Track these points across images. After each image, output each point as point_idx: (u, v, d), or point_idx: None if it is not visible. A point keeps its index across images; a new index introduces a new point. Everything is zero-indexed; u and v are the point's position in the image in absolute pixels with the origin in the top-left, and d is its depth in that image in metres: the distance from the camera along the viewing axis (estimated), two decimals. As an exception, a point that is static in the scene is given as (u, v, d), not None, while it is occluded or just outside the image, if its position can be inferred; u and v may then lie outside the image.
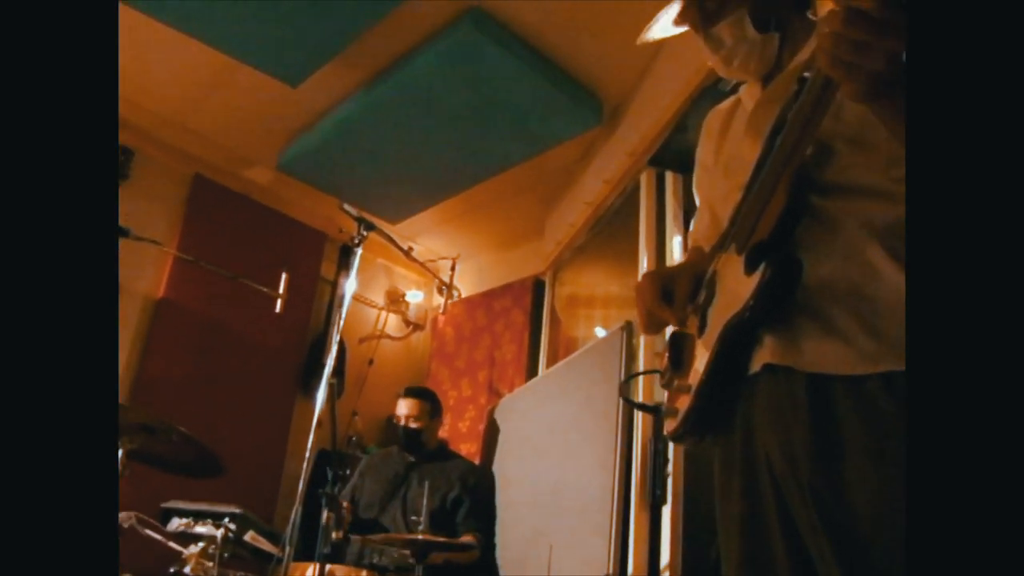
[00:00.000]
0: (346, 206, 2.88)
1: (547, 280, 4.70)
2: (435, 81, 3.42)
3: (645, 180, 3.39)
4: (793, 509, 1.04)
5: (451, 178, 4.24)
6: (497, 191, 4.44)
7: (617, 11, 3.09)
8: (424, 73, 3.38)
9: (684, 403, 1.26)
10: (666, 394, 1.39)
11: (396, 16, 3.15)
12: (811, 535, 1.00)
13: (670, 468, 2.76)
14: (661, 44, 3.15)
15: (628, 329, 3.03)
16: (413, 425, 3.72)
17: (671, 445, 2.76)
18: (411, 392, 3.82)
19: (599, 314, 4.79)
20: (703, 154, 1.50)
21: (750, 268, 1.10)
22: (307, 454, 2.67)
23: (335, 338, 2.85)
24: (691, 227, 1.57)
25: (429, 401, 3.83)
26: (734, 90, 1.44)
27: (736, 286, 1.13)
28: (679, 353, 1.35)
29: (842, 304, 1.04)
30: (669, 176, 3.31)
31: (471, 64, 3.30)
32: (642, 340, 3.07)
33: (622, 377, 2.92)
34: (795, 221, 1.09)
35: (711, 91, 2.75)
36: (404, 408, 3.75)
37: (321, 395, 2.75)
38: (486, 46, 3.18)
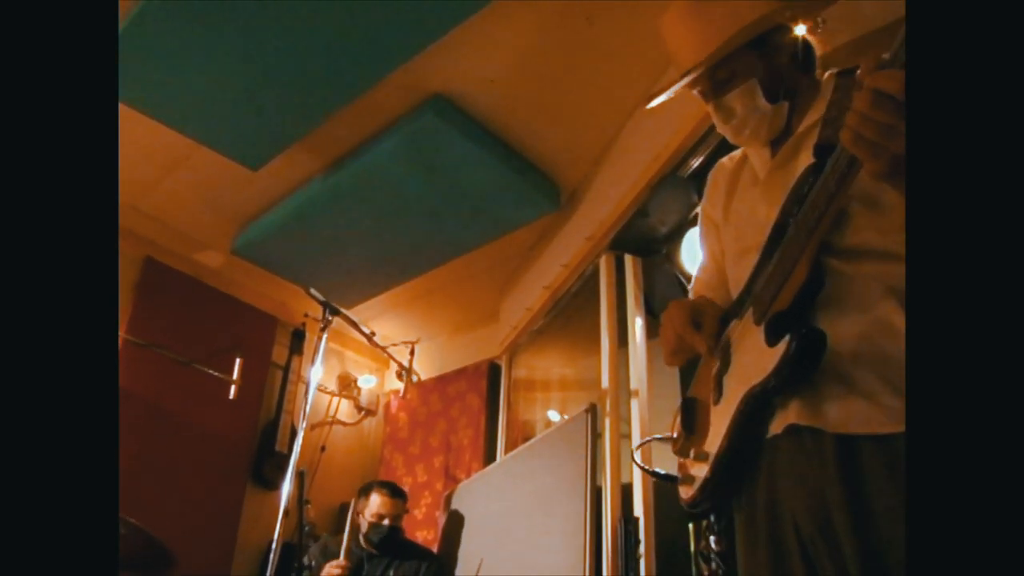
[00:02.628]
0: (313, 291, 2.85)
1: (503, 364, 4.68)
2: (395, 167, 3.44)
3: (604, 264, 3.43)
4: (816, 561, 1.04)
5: (407, 263, 4.23)
6: (453, 275, 4.45)
7: (576, 98, 3.18)
8: (384, 159, 3.41)
9: (698, 470, 1.25)
10: (676, 462, 1.38)
11: (360, 103, 3.18)
12: None
13: (642, 549, 2.73)
14: (621, 129, 3.30)
15: (593, 411, 3.03)
16: (395, 525, 3.65)
17: (642, 526, 2.74)
18: (392, 490, 3.72)
19: (554, 397, 4.77)
20: (710, 209, 1.51)
21: (772, 338, 1.11)
22: (274, 546, 2.57)
23: (302, 424, 2.78)
24: (695, 276, 1.58)
25: (405, 499, 3.76)
26: (699, 175, 1.47)
27: (757, 356, 1.14)
28: (691, 419, 1.35)
29: (864, 364, 1.05)
30: (628, 259, 3.35)
31: (431, 151, 3.34)
32: (607, 422, 3.08)
33: (588, 459, 2.89)
34: (817, 291, 1.11)
35: (671, 178, 2.82)
36: (385, 507, 3.64)
37: (288, 484, 2.66)
38: (447, 133, 3.23)
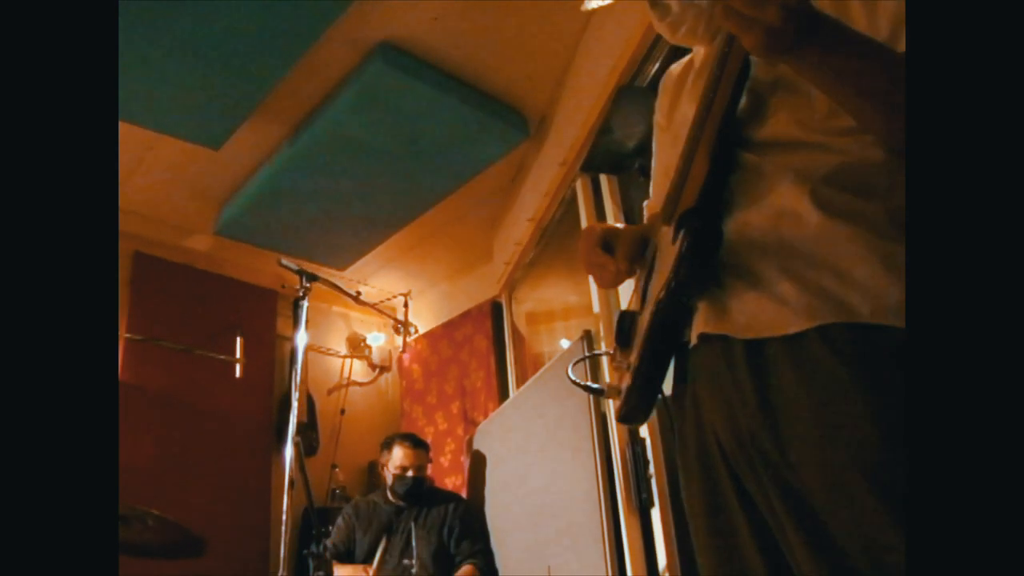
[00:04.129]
0: (284, 261, 2.81)
1: (503, 301, 4.65)
2: (354, 123, 3.36)
3: (581, 187, 3.35)
4: (745, 481, 0.99)
5: (389, 217, 4.18)
6: (440, 221, 4.39)
7: (525, 20, 3.06)
8: (342, 117, 3.32)
9: (626, 382, 1.20)
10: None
11: (304, 65, 3.09)
12: (767, 508, 0.95)
13: (652, 469, 2.71)
14: (575, 48, 3.18)
15: (588, 337, 2.99)
16: (419, 475, 3.69)
17: (649, 446, 2.71)
18: (414, 441, 3.77)
19: (561, 326, 4.74)
20: (658, 116, 1.44)
21: (675, 237, 1.05)
22: (284, 517, 2.58)
23: (294, 395, 2.76)
24: (649, 194, 1.51)
25: (427, 449, 3.81)
26: (655, 82, 1.40)
27: (666, 258, 1.08)
28: (626, 332, 1.28)
29: (770, 258, 0.99)
30: (604, 179, 3.26)
31: (387, 100, 3.25)
32: (603, 345, 3.03)
33: (588, 376, 2.86)
34: (719, 184, 1.05)
35: (627, 91, 2.72)
36: (408, 458, 3.69)
37: (289, 455, 2.66)
38: (399, 79, 3.13)
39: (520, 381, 4.34)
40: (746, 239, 1.02)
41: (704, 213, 1.04)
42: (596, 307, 3.16)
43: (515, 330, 4.63)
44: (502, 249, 4.45)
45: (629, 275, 1.28)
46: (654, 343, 1.11)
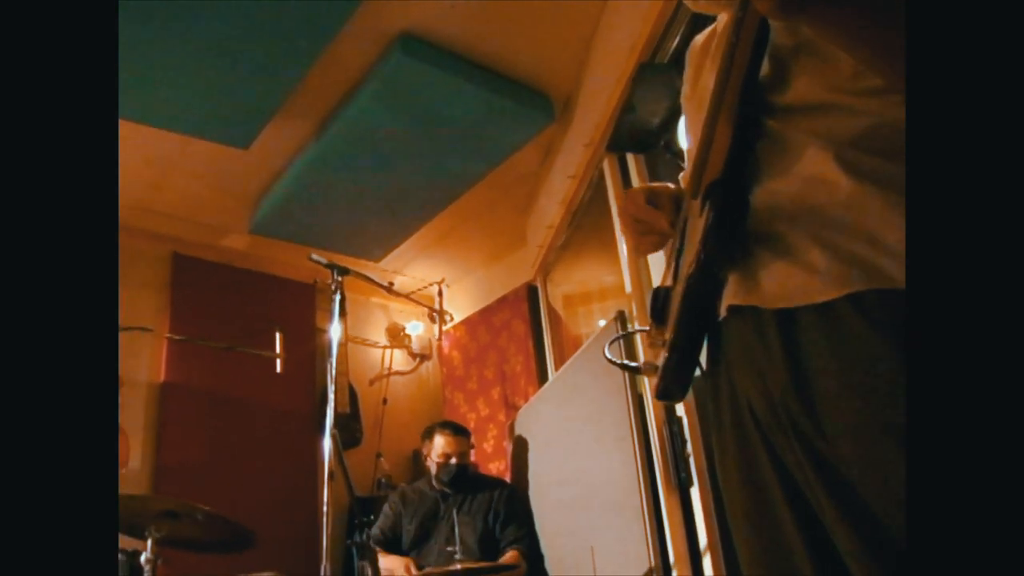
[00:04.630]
0: (314, 256, 2.83)
1: (539, 285, 4.64)
2: (379, 115, 3.37)
3: (608, 167, 3.32)
4: (781, 453, 0.97)
5: (420, 206, 4.20)
6: (471, 208, 4.40)
7: (545, 5, 3.03)
8: (367, 110, 3.33)
9: (661, 358, 1.17)
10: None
11: (326, 61, 3.11)
12: (802, 479, 0.93)
13: (690, 448, 2.69)
14: (595, 28, 3.15)
15: (621, 318, 2.98)
16: (462, 462, 3.72)
17: (686, 425, 2.70)
18: (454, 429, 3.82)
19: (598, 307, 4.73)
20: (685, 88, 1.40)
21: (701, 210, 1.02)
22: (324, 509, 2.62)
23: (330, 388, 2.79)
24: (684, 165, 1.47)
25: (469, 436, 3.85)
26: (677, 57, 1.36)
27: (695, 231, 1.06)
28: (660, 308, 1.26)
29: (799, 226, 0.96)
30: (630, 159, 3.22)
31: (411, 91, 3.25)
32: (636, 325, 3.01)
33: (623, 355, 2.84)
34: (744, 153, 1.02)
35: (648, 68, 2.68)
36: (449, 446, 3.74)
37: (327, 448, 2.69)
38: (421, 69, 3.13)
39: (559, 364, 4.34)
40: (774, 207, 0.99)
41: (729, 184, 1.01)
42: (628, 287, 3.14)
43: (552, 313, 4.62)
44: (535, 233, 4.44)
45: (666, 233, 1.26)
46: (687, 318, 1.09)
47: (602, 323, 4.57)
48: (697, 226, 1.03)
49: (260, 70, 3.06)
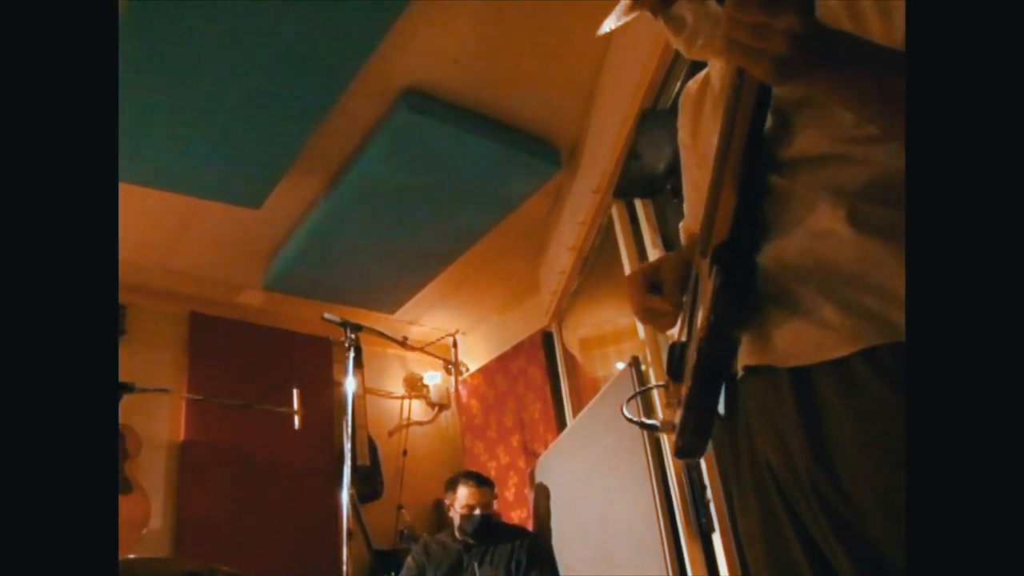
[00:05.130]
0: (326, 315, 2.87)
1: (553, 331, 4.64)
2: (387, 170, 3.41)
3: (617, 214, 3.34)
4: (800, 513, 0.96)
5: (433, 257, 4.23)
6: (484, 257, 4.42)
7: (546, 52, 3.07)
8: (375, 165, 3.38)
9: (679, 416, 1.17)
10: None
11: (333, 119, 3.16)
12: (821, 538, 0.93)
13: (710, 494, 2.66)
14: (597, 76, 3.18)
15: (635, 364, 2.96)
16: (486, 513, 3.69)
17: (704, 471, 2.67)
18: (478, 480, 3.78)
19: (614, 350, 4.70)
20: (682, 135, 1.40)
21: (710, 272, 1.02)
22: (344, 569, 2.60)
23: (347, 446, 2.79)
24: (685, 214, 1.46)
25: (492, 486, 3.82)
26: (673, 107, 1.37)
27: (705, 292, 1.06)
28: (676, 364, 1.25)
29: (810, 283, 0.96)
30: (638, 204, 3.25)
31: (417, 145, 3.30)
32: (651, 371, 3.00)
33: (640, 411, 2.84)
34: (750, 213, 1.02)
35: (651, 114, 2.70)
36: (473, 497, 3.71)
37: (345, 505, 2.68)
38: (426, 124, 3.18)
39: (576, 409, 4.31)
40: (784, 265, 0.99)
41: (735, 246, 1.01)
42: (641, 332, 3.13)
43: (568, 358, 4.61)
44: (547, 279, 4.45)
45: (679, 307, 1.25)
46: (702, 378, 1.08)
47: (620, 365, 4.57)
48: (707, 287, 1.03)
49: (270, 130, 3.11)
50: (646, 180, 3.02)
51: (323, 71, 2.86)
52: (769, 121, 1.03)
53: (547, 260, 4.43)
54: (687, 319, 1.20)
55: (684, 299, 1.24)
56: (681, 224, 1.46)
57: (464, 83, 3.18)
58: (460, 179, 3.55)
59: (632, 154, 2.91)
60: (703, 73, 1.33)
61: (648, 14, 1.22)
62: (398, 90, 3.16)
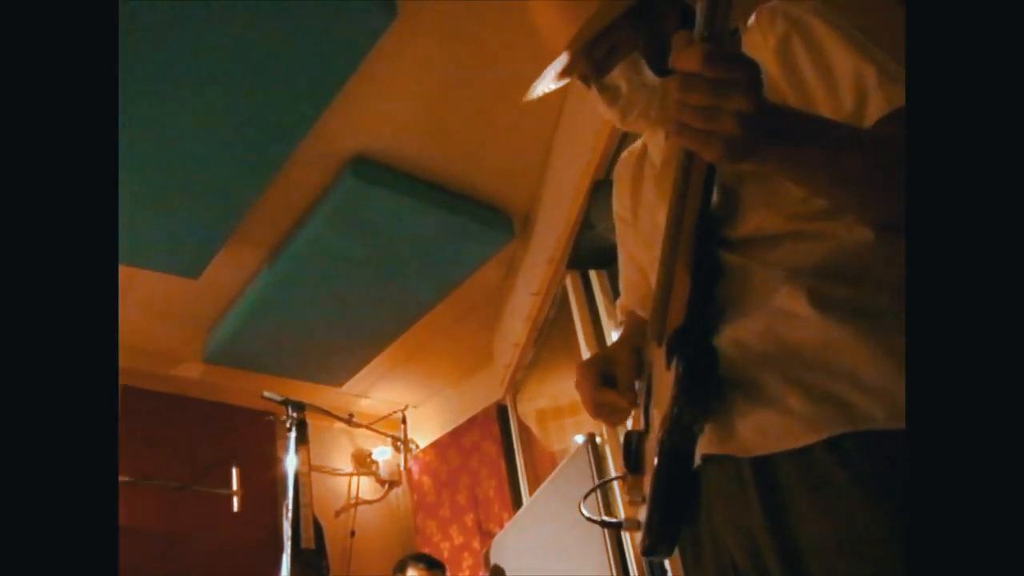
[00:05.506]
0: (267, 393, 2.73)
1: (508, 404, 4.53)
2: (333, 239, 3.32)
3: (571, 284, 3.31)
4: None
5: (381, 328, 4.11)
6: (436, 327, 4.30)
7: (497, 118, 3.03)
8: (320, 235, 3.29)
9: (644, 513, 1.12)
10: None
11: (277, 186, 3.06)
12: None
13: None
14: (551, 144, 3.14)
15: (592, 441, 2.86)
16: None
17: (667, 562, 2.54)
18: (429, 563, 3.65)
19: (571, 422, 4.59)
20: (619, 207, 1.38)
21: (668, 360, 0.99)
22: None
23: (286, 533, 2.61)
24: (622, 289, 1.43)
25: (444, 570, 3.72)
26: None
27: (663, 383, 1.03)
28: (635, 455, 1.21)
29: (771, 368, 0.93)
30: (593, 275, 3.21)
31: (364, 214, 3.21)
32: (608, 449, 2.88)
33: (600, 504, 2.71)
34: (703, 298, 1.00)
35: (604, 184, 2.65)
36: None
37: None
38: (374, 192, 3.10)
39: (533, 485, 4.18)
40: (744, 348, 0.96)
41: (694, 332, 0.99)
42: (597, 409, 3.02)
43: (524, 431, 4.49)
44: (501, 350, 4.36)
45: (635, 403, 1.20)
46: (668, 473, 1.04)
47: (578, 439, 4.45)
48: (665, 379, 1.00)
49: (209, 197, 3.00)
50: (600, 250, 2.96)
51: (266, 136, 2.77)
52: (716, 197, 1.02)
53: (501, 330, 4.35)
54: (643, 407, 1.17)
55: (637, 387, 1.20)
56: (618, 302, 1.44)
57: (414, 150, 3.12)
58: (410, 248, 3.47)
59: (586, 224, 2.88)
60: (638, 144, 1.32)
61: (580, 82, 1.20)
62: (345, 157, 3.08)
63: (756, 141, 0.78)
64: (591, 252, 3.04)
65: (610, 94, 1.15)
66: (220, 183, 2.93)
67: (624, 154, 1.37)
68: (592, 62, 1.14)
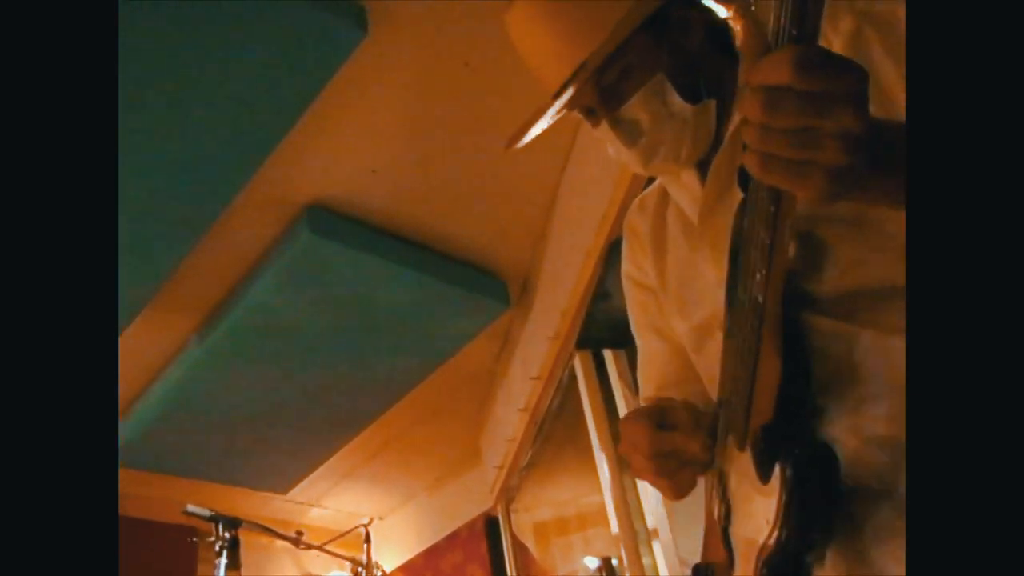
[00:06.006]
0: (190, 507, 2.76)
1: (500, 515, 4.54)
2: (284, 306, 3.37)
3: (581, 366, 3.34)
4: None
5: (341, 419, 4.14)
6: (409, 419, 4.35)
7: (487, 165, 3.08)
8: (267, 300, 3.34)
9: None
10: None
11: (212, 241, 3.11)
12: None
13: None
14: (555, 196, 3.21)
15: (608, 567, 2.92)
16: None
17: None
18: None
19: (579, 538, 4.60)
20: (633, 269, 1.36)
21: (763, 472, 0.96)
22: None
23: None
24: (641, 373, 1.40)
25: None
26: None
27: (755, 499, 0.99)
28: None
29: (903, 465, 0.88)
30: (609, 355, 3.26)
31: (324, 275, 3.27)
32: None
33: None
34: (801, 385, 0.97)
35: (620, 242, 2.71)
36: None
37: None
38: (334, 249, 3.17)
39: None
40: (870, 446, 0.94)
41: (796, 427, 0.95)
42: (614, 526, 3.06)
43: (520, 549, 4.52)
44: (492, 448, 4.39)
45: (708, 453, 1.14)
46: None
47: (590, 563, 4.45)
48: (755, 494, 0.98)
49: (127, 252, 3.04)
50: (618, 326, 3.01)
51: (204, 178, 2.83)
52: (792, 246, 0.98)
53: (492, 423, 4.39)
54: (720, 534, 1.13)
55: (709, 482, 1.17)
56: (641, 395, 1.40)
57: (386, 199, 3.19)
58: (379, 319, 3.52)
59: (600, 294, 2.93)
60: (652, 189, 1.32)
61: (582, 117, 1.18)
62: (299, 205, 3.14)
63: (869, 170, 0.76)
64: (606, 328, 3.10)
65: (627, 131, 1.13)
66: (143, 236, 2.98)
67: (635, 203, 1.36)
68: (600, 90, 1.13)
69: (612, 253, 2.78)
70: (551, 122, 1.16)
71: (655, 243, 1.28)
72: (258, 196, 3.03)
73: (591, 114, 1.17)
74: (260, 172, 2.88)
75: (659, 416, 1.14)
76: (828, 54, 0.72)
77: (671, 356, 1.32)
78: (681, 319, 1.23)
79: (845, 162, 0.73)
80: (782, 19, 0.72)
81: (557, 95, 1.11)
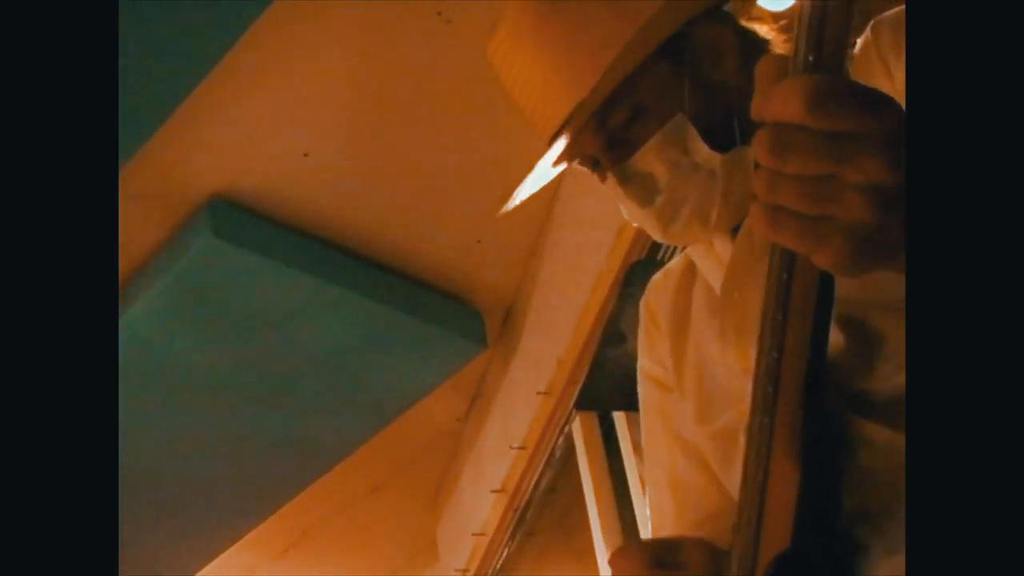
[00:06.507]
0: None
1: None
2: (170, 341, 3.34)
3: (582, 434, 3.32)
4: None
5: (242, 497, 4.13)
6: (339, 499, 4.39)
7: (460, 160, 3.09)
8: (143, 329, 3.27)
9: None
10: None
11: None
12: None
13: None
14: (550, 206, 3.26)
15: None
16: None
17: None
18: None
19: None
20: (650, 364, 1.41)
21: None
22: None
23: None
24: (651, 503, 1.41)
25: None
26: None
27: None
28: None
29: None
30: (620, 419, 3.22)
31: (229, 297, 3.25)
32: None
33: None
34: (828, 500, 1.00)
35: (645, 267, 2.65)
36: None
37: None
38: (244, 262, 3.12)
39: None
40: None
41: (821, 561, 0.98)
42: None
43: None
44: (452, 542, 4.43)
45: None
46: None
47: None
48: None
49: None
50: (634, 379, 2.92)
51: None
52: (836, 331, 1.03)
53: (454, 509, 4.44)
54: None
55: None
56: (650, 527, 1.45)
57: (318, 194, 3.14)
58: (303, 360, 3.48)
59: (612, 335, 2.91)
60: (677, 262, 1.38)
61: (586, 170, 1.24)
62: (197, 199, 3.06)
63: (901, 234, 0.75)
64: (619, 382, 3.07)
65: (640, 187, 1.18)
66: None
67: (656, 277, 1.42)
68: (605, 136, 1.18)
69: (631, 281, 2.74)
70: (548, 180, 1.24)
71: (675, 328, 1.35)
72: (139, 185, 2.93)
73: (596, 166, 1.22)
74: (141, 152, 2.79)
75: (663, 552, 1.21)
76: (851, 85, 0.75)
77: (707, 483, 1.35)
78: (700, 423, 1.28)
79: (871, 221, 0.74)
80: (799, 41, 0.77)
81: (551, 142, 1.17)
